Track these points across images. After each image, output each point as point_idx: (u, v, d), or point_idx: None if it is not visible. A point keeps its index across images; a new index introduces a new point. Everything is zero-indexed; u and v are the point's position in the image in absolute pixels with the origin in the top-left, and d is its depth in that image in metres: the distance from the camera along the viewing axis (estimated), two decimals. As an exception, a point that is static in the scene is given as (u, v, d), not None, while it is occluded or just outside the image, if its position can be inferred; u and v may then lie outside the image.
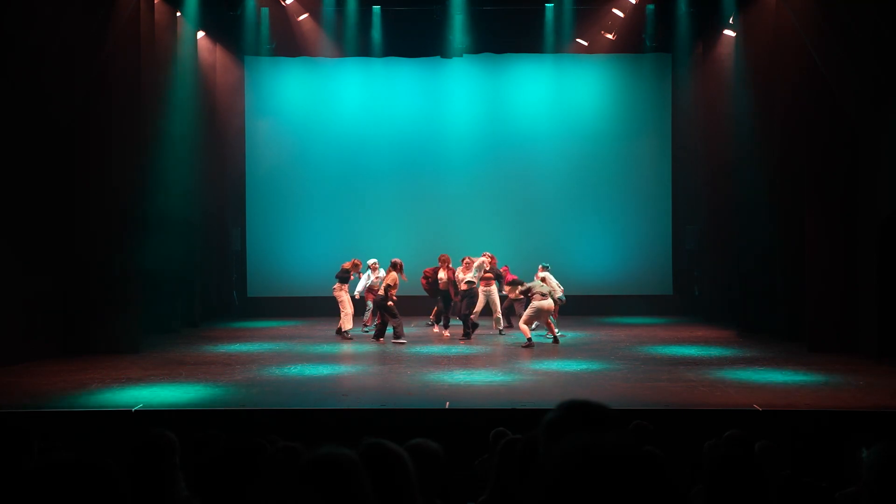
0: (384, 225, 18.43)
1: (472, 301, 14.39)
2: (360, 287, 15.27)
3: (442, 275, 14.70)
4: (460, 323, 14.48)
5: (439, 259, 14.93)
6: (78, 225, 12.96)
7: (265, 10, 17.27)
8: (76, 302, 12.95)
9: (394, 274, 13.83)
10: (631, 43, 17.75)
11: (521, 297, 14.34)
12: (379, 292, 13.99)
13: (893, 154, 11.64)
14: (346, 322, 14.56)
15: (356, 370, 11.70)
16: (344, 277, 14.85)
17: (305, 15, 17.38)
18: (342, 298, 14.62)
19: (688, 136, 18.44)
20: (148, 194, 13.87)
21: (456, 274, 14.63)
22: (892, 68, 11.34)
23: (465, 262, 14.61)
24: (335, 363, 12.07)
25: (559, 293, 14.23)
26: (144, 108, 13.51)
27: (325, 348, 13.49)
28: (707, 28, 17.28)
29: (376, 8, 17.15)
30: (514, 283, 15.13)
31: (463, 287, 14.30)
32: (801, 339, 13.02)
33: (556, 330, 13.95)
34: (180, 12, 15.70)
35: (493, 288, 14.77)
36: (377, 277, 15.07)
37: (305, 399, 9.34)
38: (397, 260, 14.16)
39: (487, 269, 14.57)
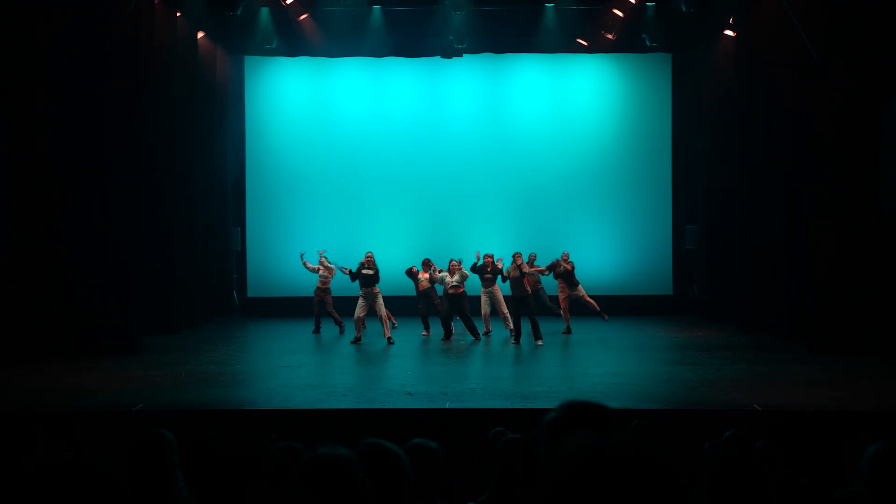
0: (384, 225, 18.43)
1: (456, 305, 14.15)
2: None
3: (423, 277, 14.65)
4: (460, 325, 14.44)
5: (423, 263, 14.91)
6: (78, 225, 12.94)
7: (265, 10, 17.26)
8: (76, 301, 12.93)
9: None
10: (631, 43, 17.74)
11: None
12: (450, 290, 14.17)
13: (894, 153, 11.64)
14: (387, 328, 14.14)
15: (356, 370, 11.70)
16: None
17: (305, 14, 17.37)
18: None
19: (688, 136, 18.45)
20: (147, 194, 13.86)
21: (439, 275, 14.47)
22: (892, 67, 11.34)
23: (451, 265, 14.43)
24: (335, 363, 12.07)
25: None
26: (144, 109, 13.50)
27: (325, 348, 13.50)
28: (707, 28, 17.28)
29: (376, 8, 17.15)
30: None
31: (449, 291, 14.21)
32: (802, 339, 13.01)
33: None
34: (180, 12, 15.69)
35: (495, 288, 14.57)
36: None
37: (305, 399, 9.33)
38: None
39: (489, 268, 14.39)
